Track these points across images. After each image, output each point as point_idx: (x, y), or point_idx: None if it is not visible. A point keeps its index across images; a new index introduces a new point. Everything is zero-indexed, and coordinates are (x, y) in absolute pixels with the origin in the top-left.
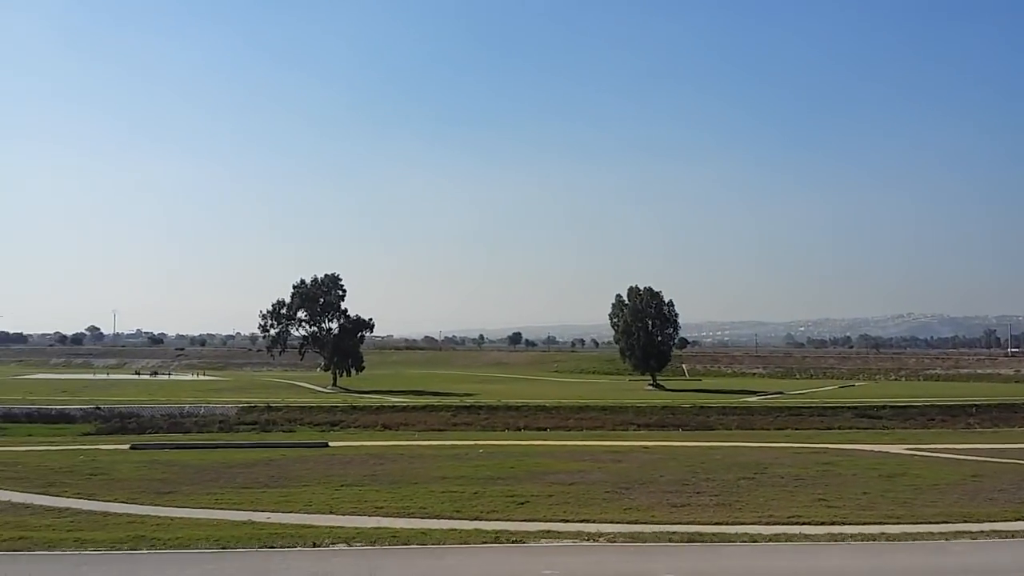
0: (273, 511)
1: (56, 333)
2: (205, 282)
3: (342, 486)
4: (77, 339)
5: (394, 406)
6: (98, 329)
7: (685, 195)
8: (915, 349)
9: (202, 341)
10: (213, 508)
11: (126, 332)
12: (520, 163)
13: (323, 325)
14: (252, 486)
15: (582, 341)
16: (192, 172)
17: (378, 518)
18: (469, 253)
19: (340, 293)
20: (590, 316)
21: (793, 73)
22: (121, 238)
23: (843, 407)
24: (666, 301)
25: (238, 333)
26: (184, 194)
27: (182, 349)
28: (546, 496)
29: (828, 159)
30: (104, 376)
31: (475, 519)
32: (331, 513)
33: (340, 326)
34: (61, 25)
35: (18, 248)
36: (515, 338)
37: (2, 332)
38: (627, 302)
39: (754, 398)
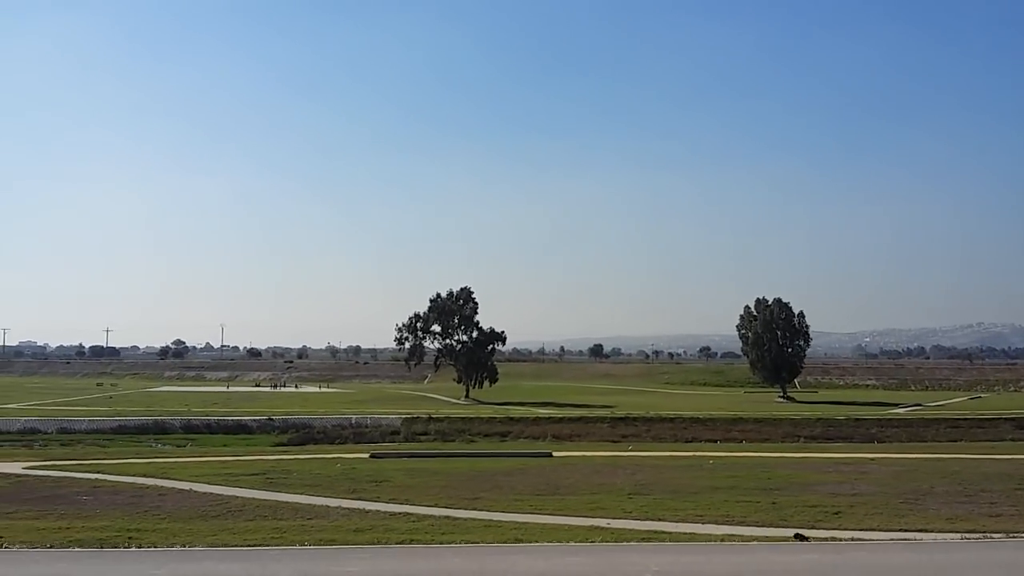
0: (599, 517)
1: (132, 347)
2: (271, 297)
3: (629, 495)
4: (179, 352)
5: (549, 418)
6: (183, 343)
7: (741, 203)
8: (994, 360)
9: (300, 354)
10: (535, 513)
11: (199, 346)
12: (569, 174)
13: (456, 337)
14: (541, 493)
15: (656, 353)
16: (257, 186)
17: (712, 526)
18: (517, 264)
19: (473, 306)
20: (647, 327)
21: (854, 83)
22: (191, 254)
23: (999, 419)
24: (796, 312)
25: (304, 346)
26: (251, 211)
27: (291, 362)
28: (848, 507)
29: (890, 167)
30: (223, 388)
31: (810, 527)
32: (660, 520)
33: (474, 339)
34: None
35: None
36: (596, 350)
37: (96, 346)
38: (756, 314)
39: (900, 410)
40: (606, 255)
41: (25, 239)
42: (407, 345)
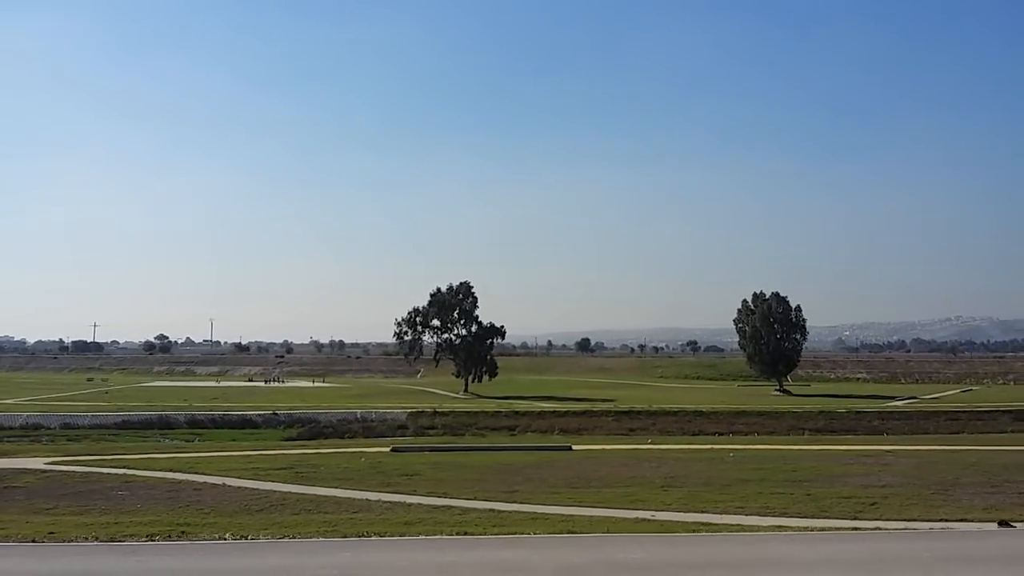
0: (640, 509)
1: (111, 342)
2: (249, 293)
3: (663, 488)
4: (164, 347)
5: (554, 412)
6: (166, 337)
7: (720, 200)
8: (974, 353)
9: (287, 349)
10: (576, 506)
11: (179, 341)
12: (543, 170)
13: (455, 332)
14: (575, 486)
15: (642, 347)
16: (227, 184)
17: (756, 517)
18: (492, 260)
19: (473, 300)
20: (626, 321)
21: (830, 83)
22: (168, 250)
23: (997, 411)
24: (793, 306)
25: (285, 341)
26: (217, 207)
27: (281, 356)
28: (882, 498)
29: (867, 164)
30: (214, 383)
31: (852, 518)
32: (703, 512)
33: (473, 333)
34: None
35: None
36: (583, 344)
37: (80, 340)
38: (753, 308)
39: (898, 403)
40: (584, 251)
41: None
42: (407, 339)
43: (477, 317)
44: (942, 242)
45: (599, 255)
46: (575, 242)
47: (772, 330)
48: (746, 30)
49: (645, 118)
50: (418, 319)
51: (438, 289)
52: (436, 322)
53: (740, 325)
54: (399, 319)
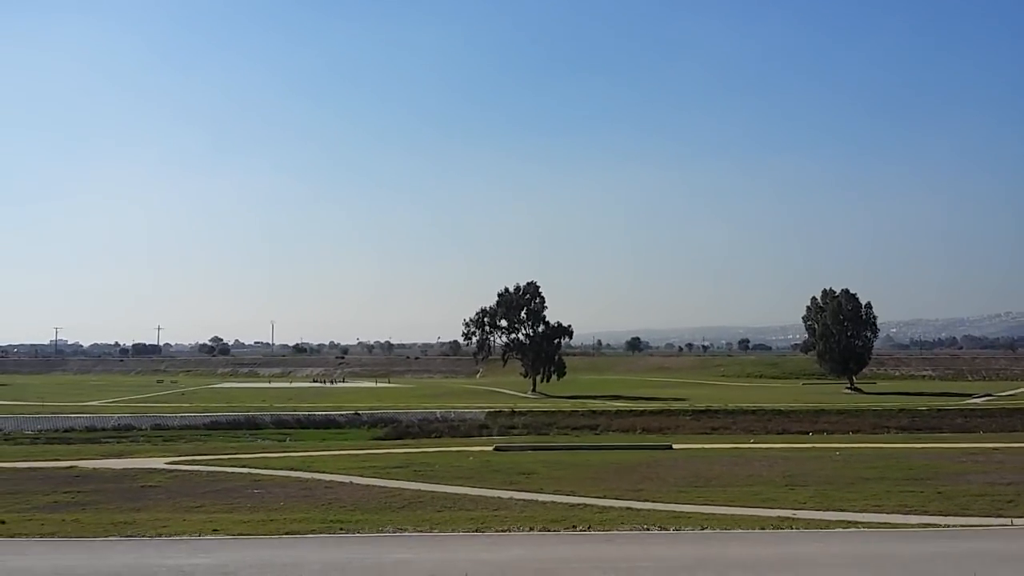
0: (775, 508)
1: (164, 344)
2: (296, 295)
3: (788, 486)
4: (224, 349)
5: (631, 411)
6: (221, 340)
7: (767, 197)
8: None
9: (345, 350)
10: (709, 504)
11: (231, 343)
12: (581, 170)
13: (523, 331)
14: (696, 484)
15: (690, 346)
16: (272, 188)
17: (898, 515)
18: (532, 260)
19: (540, 300)
20: (661, 320)
21: (859, 84)
22: (218, 252)
23: None
24: (863, 303)
25: (331, 342)
26: (262, 210)
27: (342, 357)
28: (1016, 495)
29: (908, 163)
30: (284, 384)
31: (998, 515)
32: (841, 511)
33: (541, 333)
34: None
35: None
36: (634, 343)
37: (140, 343)
38: (823, 305)
39: (978, 400)
40: (624, 250)
41: (54, 242)
42: (474, 340)
43: (545, 317)
44: (988, 238)
45: (637, 254)
46: (614, 241)
47: (843, 328)
48: (780, 31)
49: (679, 118)
50: (486, 319)
51: (506, 289)
52: (503, 322)
53: (809, 323)
54: (467, 319)
